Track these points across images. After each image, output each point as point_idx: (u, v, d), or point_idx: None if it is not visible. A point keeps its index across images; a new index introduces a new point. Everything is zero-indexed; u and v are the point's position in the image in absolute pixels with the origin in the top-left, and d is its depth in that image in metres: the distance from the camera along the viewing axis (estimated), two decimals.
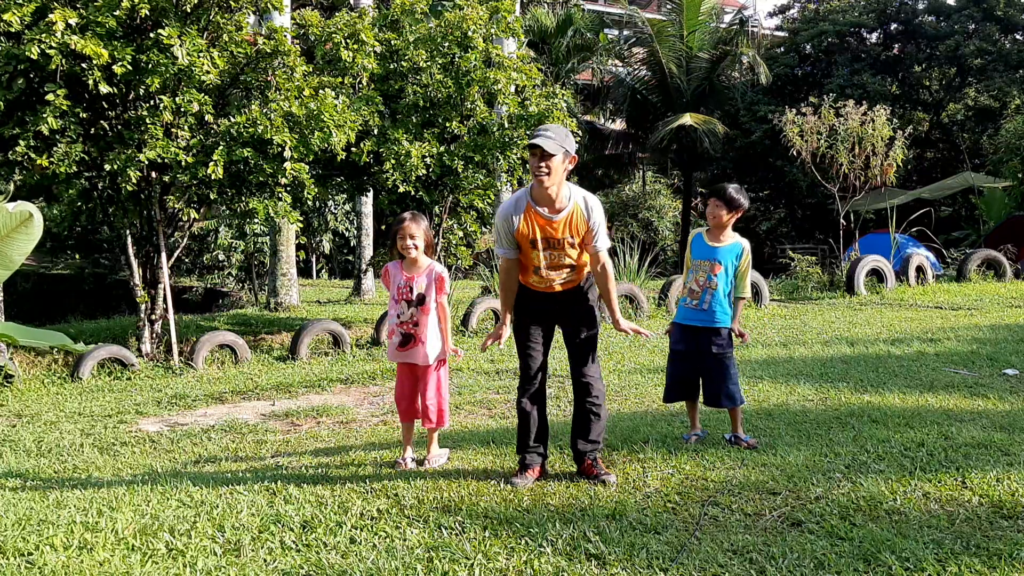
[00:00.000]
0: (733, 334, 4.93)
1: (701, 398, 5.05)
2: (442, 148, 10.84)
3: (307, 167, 9.75)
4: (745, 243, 4.93)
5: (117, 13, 8.81)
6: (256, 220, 11.49)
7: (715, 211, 4.86)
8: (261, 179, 9.68)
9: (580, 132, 17.80)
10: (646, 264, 14.52)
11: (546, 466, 4.42)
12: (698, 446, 4.82)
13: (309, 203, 10.90)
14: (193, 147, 9.47)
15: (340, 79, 10.38)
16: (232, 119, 9.48)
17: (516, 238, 4.22)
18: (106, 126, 9.55)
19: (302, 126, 9.53)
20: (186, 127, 9.49)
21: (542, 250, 4.19)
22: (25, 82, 8.83)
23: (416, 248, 4.66)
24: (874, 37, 27.19)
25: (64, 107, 8.73)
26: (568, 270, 4.27)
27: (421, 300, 4.68)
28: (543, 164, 4.02)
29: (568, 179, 4.32)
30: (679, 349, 4.97)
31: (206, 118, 9.65)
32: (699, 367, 4.93)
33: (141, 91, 9.23)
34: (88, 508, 4.01)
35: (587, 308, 4.37)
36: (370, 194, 15.13)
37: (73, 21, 8.65)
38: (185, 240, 12.49)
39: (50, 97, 8.64)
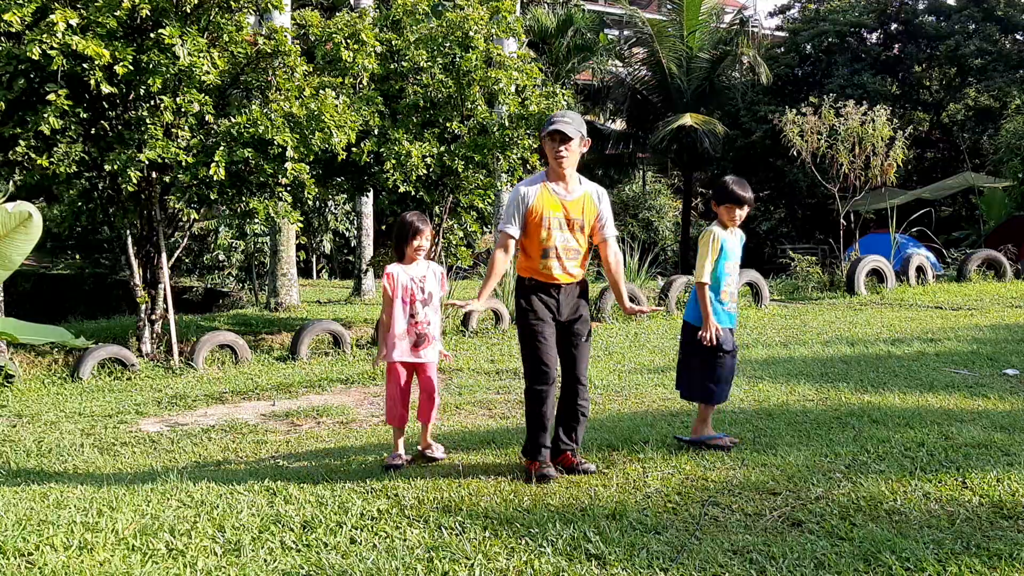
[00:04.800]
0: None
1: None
2: (442, 148, 10.84)
3: (308, 167, 9.75)
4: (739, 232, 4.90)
5: (118, 13, 8.81)
6: (256, 220, 11.48)
7: (734, 213, 4.68)
8: (262, 179, 9.68)
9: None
10: (646, 264, 14.54)
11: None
12: (698, 447, 4.81)
13: (309, 203, 10.92)
14: (193, 147, 9.47)
15: (341, 79, 10.38)
16: (233, 119, 9.48)
17: (527, 216, 4.31)
18: (106, 126, 9.55)
19: (303, 126, 9.53)
20: (186, 127, 9.49)
21: (556, 229, 4.28)
22: (26, 82, 8.82)
23: (424, 249, 4.79)
24: (874, 37, 27.18)
25: (65, 107, 8.73)
26: (575, 259, 4.36)
27: (431, 299, 4.80)
28: (562, 147, 4.26)
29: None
30: (731, 350, 4.73)
31: (206, 118, 9.65)
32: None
33: (142, 91, 9.23)
34: (88, 508, 4.01)
35: (586, 308, 4.46)
36: (370, 194, 15.13)
37: (74, 21, 8.65)
38: (185, 240, 12.50)
39: (51, 97, 8.64)
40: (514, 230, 4.35)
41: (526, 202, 4.31)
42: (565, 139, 4.26)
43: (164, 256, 10.27)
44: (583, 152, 4.39)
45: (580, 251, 4.38)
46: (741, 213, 4.73)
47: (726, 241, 4.74)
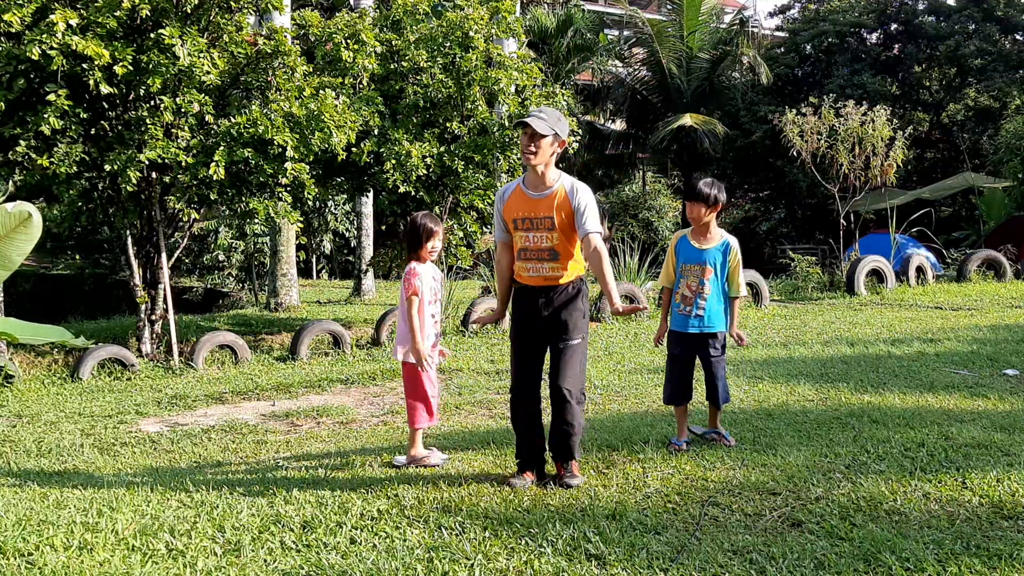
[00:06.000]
0: (730, 337, 4.86)
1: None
2: (442, 148, 10.84)
3: (308, 167, 9.75)
4: (732, 240, 4.82)
5: (118, 14, 8.81)
6: (256, 220, 11.47)
7: (694, 212, 4.74)
8: (262, 179, 9.68)
9: (580, 132, 17.74)
10: (646, 264, 14.52)
11: (544, 469, 4.35)
12: (697, 447, 4.81)
13: (309, 203, 10.90)
14: (193, 147, 9.47)
15: (340, 79, 10.38)
16: (232, 119, 9.48)
17: (504, 218, 4.29)
18: (106, 126, 9.55)
19: (302, 126, 9.53)
20: (186, 127, 9.49)
21: (523, 230, 4.20)
22: (26, 82, 8.82)
23: (438, 250, 4.81)
24: (874, 37, 27.18)
25: (65, 107, 8.73)
26: (551, 261, 4.16)
27: (441, 299, 4.94)
28: (531, 144, 4.10)
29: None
30: (676, 354, 4.84)
31: (206, 118, 9.65)
32: (694, 370, 4.90)
33: (142, 91, 9.23)
34: (88, 508, 4.01)
35: (571, 313, 4.16)
36: (370, 194, 15.12)
37: (74, 22, 8.65)
38: (185, 240, 12.49)
39: (51, 97, 8.64)
40: (499, 234, 4.36)
41: (501, 205, 4.30)
42: (535, 135, 4.06)
43: (164, 256, 10.27)
44: (557, 151, 4.16)
45: (556, 251, 4.12)
46: (700, 211, 4.71)
47: (682, 244, 4.83)
